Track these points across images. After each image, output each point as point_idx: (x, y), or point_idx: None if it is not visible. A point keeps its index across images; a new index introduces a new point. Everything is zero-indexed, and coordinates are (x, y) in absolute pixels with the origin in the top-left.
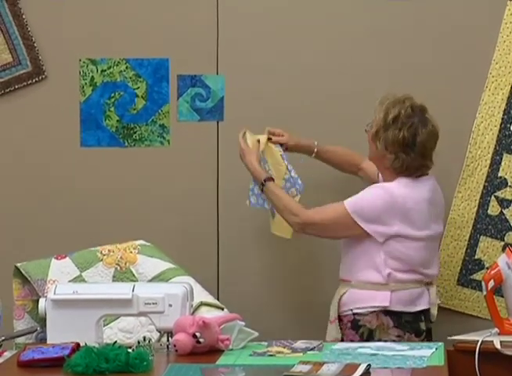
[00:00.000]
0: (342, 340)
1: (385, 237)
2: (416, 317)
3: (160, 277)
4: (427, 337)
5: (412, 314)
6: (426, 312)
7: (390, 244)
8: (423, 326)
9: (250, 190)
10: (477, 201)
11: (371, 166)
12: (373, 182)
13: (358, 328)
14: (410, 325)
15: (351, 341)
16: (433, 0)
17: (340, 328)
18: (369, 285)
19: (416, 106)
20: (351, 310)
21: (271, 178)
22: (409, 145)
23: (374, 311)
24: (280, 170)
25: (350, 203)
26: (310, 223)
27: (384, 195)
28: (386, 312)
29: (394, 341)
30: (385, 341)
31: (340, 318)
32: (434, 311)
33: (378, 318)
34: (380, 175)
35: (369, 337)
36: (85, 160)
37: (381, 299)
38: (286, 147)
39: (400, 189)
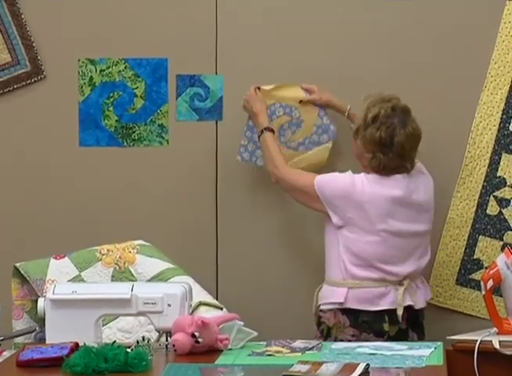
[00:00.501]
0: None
1: (340, 222)
2: (378, 317)
3: (159, 277)
4: (400, 338)
5: (373, 314)
6: (391, 312)
7: (344, 233)
8: (386, 327)
9: (241, 147)
10: (476, 201)
11: None
12: None
13: (319, 325)
14: (368, 325)
15: (317, 338)
16: (432, 0)
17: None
18: (331, 281)
19: (398, 106)
20: (320, 306)
21: (271, 130)
22: (387, 145)
23: (333, 309)
24: (311, 116)
25: (319, 177)
26: (283, 178)
27: (347, 181)
28: (343, 310)
29: (349, 340)
30: (341, 340)
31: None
32: (400, 312)
33: (335, 316)
34: None
35: (328, 334)
36: (84, 160)
37: (338, 296)
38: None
39: (364, 181)
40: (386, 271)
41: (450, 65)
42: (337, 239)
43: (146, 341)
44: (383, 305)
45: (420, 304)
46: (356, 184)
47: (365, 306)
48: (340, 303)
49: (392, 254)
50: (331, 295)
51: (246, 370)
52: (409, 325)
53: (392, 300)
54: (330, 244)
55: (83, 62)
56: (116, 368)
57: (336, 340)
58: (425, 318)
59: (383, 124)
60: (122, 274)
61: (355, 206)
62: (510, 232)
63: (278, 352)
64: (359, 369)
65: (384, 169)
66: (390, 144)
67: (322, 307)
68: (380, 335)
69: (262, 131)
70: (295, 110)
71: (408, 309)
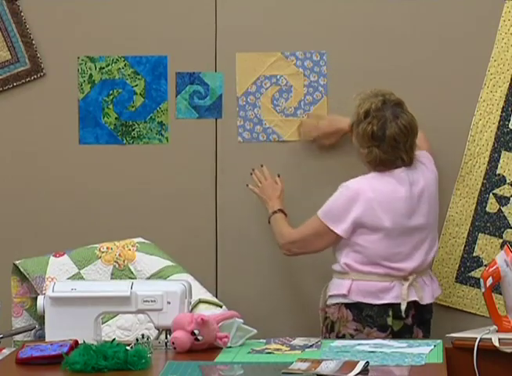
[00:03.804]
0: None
1: (349, 232)
2: (381, 311)
3: (158, 275)
4: (404, 334)
5: (376, 308)
6: (395, 306)
7: (352, 240)
8: (389, 321)
9: (239, 127)
10: (476, 199)
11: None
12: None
13: (324, 320)
14: (372, 319)
15: (322, 333)
16: None
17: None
18: (336, 273)
19: (390, 100)
20: (326, 300)
21: (283, 212)
22: (379, 138)
23: (337, 303)
24: (298, 78)
25: (320, 210)
26: (292, 241)
27: (345, 191)
28: (347, 305)
29: (351, 334)
30: (343, 334)
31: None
32: (403, 306)
33: (340, 310)
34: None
35: (331, 329)
36: (84, 158)
37: (342, 287)
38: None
39: (361, 182)
40: (391, 267)
41: (450, 63)
42: (345, 244)
43: (146, 339)
44: (386, 299)
45: (426, 299)
46: (352, 187)
47: (369, 299)
48: (344, 295)
49: (397, 251)
50: (335, 288)
51: (246, 368)
52: (415, 321)
53: (396, 295)
54: (337, 246)
55: (82, 59)
56: (115, 366)
57: (339, 334)
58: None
59: (374, 118)
60: (121, 272)
61: (361, 205)
62: (509, 229)
63: (277, 349)
64: (359, 367)
65: (381, 163)
66: (382, 137)
67: (328, 302)
68: (384, 330)
69: (274, 213)
70: (281, 77)
71: (415, 304)
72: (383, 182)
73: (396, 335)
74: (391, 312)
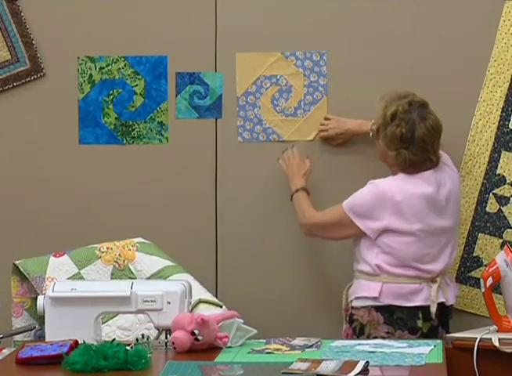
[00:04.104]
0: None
1: (377, 233)
2: (412, 314)
3: (158, 275)
4: (431, 335)
5: (406, 311)
6: (426, 308)
7: (381, 240)
8: (420, 323)
9: (239, 127)
10: (476, 199)
11: None
12: None
13: (352, 322)
14: (403, 322)
15: (347, 335)
16: None
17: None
18: (363, 275)
19: (416, 101)
20: (351, 302)
21: (305, 190)
22: (408, 140)
23: (366, 306)
24: (298, 78)
25: (345, 202)
26: (312, 223)
27: (373, 189)
28: (377, 308)
29: (383, 337)
30: (375, 337)
31: (346, 311)
32: (433, 309)
33: (370, 313)
34: None
35: (361, 331)
36: (84, 158)
37: (372, 290)
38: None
39: (390, 183)
40: (421, 269)
41: (450, 63)
42: (372, 243)
43: (146, 339)
44: (416, 302)
45: (451, 300)
46: (383, 187)
47: (400, 302)
48: (375, 298)
49: (427, 252)
50: (364, 290)
51: (246, 368)
52: (439, 322)
53: (425, 297)
54: (363, 245)
55: (82, 59)
56: (115, 366)
57: (370, 337)
58: None
59: (402, 120)
60: (121, 272)
61: (391, 208)
62: (509, 229)
63: (277, 349)
64: (359, 367)
65: (411, 165)
66: (411, 139)
67: (354, 304)
68: (414, 332)
69: (297, 191)
70: (281, 77)
71: (439, 305)
72: (411, 183)
73: (425, 337)
74: (420, 315)
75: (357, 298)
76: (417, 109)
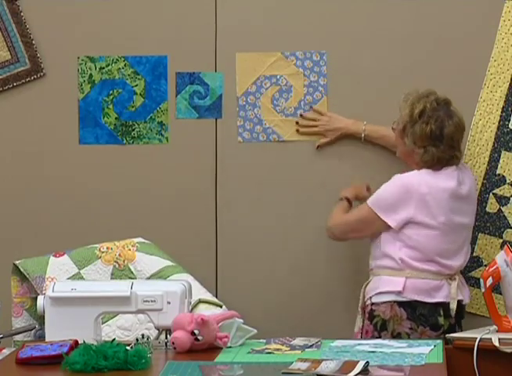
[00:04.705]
0: (362, 331)
1: (401, 225)
2: (433, 310)
3: (158, 275)
4: (452, 332)
5: (428, 307)
6: (446, 306)
7: (405, 233)
8: (441, 320)
9: (239, 127)
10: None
11: None
12: None
13: (373, 318)
14: (425, 318)
15: (367, 332)
16: None
17: (363, 319)
18: (386, 270)
19: (441, 99)
20: (370, 298)
21: (349, 201)
22: (437, 137)
23: (388, 301)
24: (298, 78)
25: (370, 198)
26: (338, 223)
27: (398, 182)
28: (400, 303)
29: (407, 333)
30: (398, 333)
31: (364, 308)
32: (453, 305)
33: (392, 309)
34: None
35: (383, 328)
36: (84, 158)
37: (395, 284)
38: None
39: (415, 175)
40: (442, 264)
41: (450, 63)
42: (394, 237)
43: (146, 339)
44: (438, 298)
45: (466, 299)
46: (408, 179)
47: (423, 297)
48: (398, 292)
49: (448, 247)
50: (387, 285)
51: (246, 368)
52: (456, 321)
53: (446, 294)
54: (384, 240)
55: (82, 59)
56: (115, 366)
57: (393, 333)
58: None
59: (431, 118)
60: (121, 272)
61: (416, 200)
62: (509, 229)
63: (277, 349)
64: (359, 367)
65: (438, 162)
66: (440, 136)
67: (374, 300)
68: (436, 328)
69: (341, 199)
70: (281, 77)
71: (457, 303)
72: (436, 177)
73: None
74: (442, 311)
75: (379, 293)
76: (444, 107)
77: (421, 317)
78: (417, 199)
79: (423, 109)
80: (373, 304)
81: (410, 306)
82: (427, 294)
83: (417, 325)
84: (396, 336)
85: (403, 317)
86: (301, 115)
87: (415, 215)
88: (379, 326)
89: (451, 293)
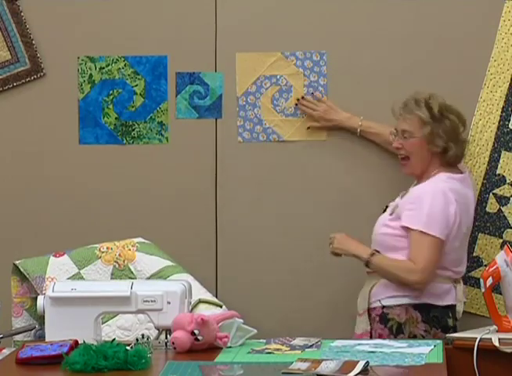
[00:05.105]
0: (371, 333)
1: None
2: (444, 312)
3: (158, 275)
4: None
5: (440, 309)
6: (453, 308)
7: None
8: (451, 322)
9: (239, 127)
10: (476, 199)
11: None
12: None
13: (386, 322)
14: (438, 320)
15: (380, 335)
16: None
17: (370, 322)
18: None
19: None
20: (380, 301)
21: (373, 254)
22: (460, 131)
23: (403, 304)
24: (298, 78)
25: (433, 228)
26: (424, 271)
27: (438, 197)
28: (415, 306)
29: (422, 335)
30: (414, 335)
31: (368, 311)
32: (460, 308)
33: (407, 312)
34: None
35: (398, 330)
36: (84, 158)
37: (410, 289)
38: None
39: (444, 185)
40: (453, 270)
41: (450, 63)
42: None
43: (146, 339)
44: (448, 301)
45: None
46: (444, 190)
47: (436, 300)
48: (416, 296)
49: (462, 256)
50: (403, 288)
51: (246, 368)
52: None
53: (453, 296)
54: (400, 248)
55: (82, 59)
56: (115, 366)
57: (410, 336)
58: None
59: (450, 113)
60: (121, 272)
61: (465, 213)
62: (509, 229)
63: (277, 349)
64: (359, 367)
65: (456, 160)
66: (461, 130)
67: (386, 303)
68: (446, 330)
69: (372, 255)
70: (281, 77)
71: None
72: (462, 185)
73: None
74: (451, 314)
75: (391, 296)
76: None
77: (434, 319)
78: (455, 207)
79: (440, 106)
80: (384, 307)
81: (425, 309)
82: (440, 298)
83: (430, 327)
84: (412, 338)
85: (418, 320)
86: (302, 97)
87: (460, 223)
88: (395, 329)
89: (458, 295)
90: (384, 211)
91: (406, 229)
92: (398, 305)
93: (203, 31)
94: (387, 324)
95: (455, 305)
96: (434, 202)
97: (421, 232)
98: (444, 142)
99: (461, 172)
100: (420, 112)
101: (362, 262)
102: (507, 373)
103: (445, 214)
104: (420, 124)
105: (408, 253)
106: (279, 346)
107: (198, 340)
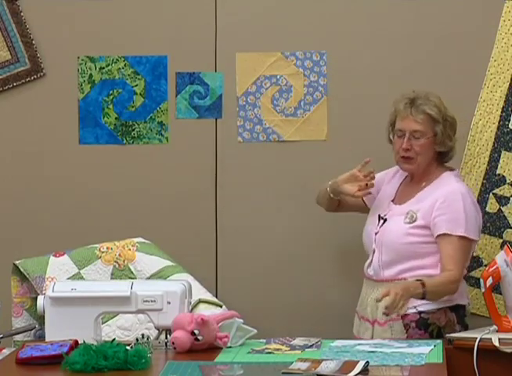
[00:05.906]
0: None
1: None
2: (463, 312)
3: (158, 275)
4: None
5: (463, 309)
6: (464, 307)
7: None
8: (466, 320)
9: (239, 127)
10: (476, 198)
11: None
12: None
13: (426, 327)
14: (462, 320)
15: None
16: None
17: (404, 329)
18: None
19: None
20: (415, 308)
21: (423, 284)
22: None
23: (441, 308)
24: (298, 78)
25: (472, 232)
26: (462, 275)
27: (466, 198)
28: (451, 308)
29: None
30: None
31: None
32: (470, 306)
33: (446, 315)
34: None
35: (439, 335)
36: (84, 158)
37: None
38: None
39: (462, 185)
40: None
41: (450, 63)
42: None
43: (146, 339)
44: (464, 300)
45: None
46: (468, 192)
47: (462, 300)
48: (451, 298)
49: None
50: None
51: (246, 368)
52: None
53: (467, 295)
54: (425, 254)
55: (82, 59)
56: (115, 366)
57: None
58: None
59: (447, 111)
60: (122, 272)
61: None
62: (509, 229)
63: (277, 349)
64: (359, 367)
65: (451, 158)
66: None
67: (422, 308)
68: (466, 329)
69: (423, 287)
70: (281, 77)
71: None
72: (464, 183)
73: None
74: (466, 312)
75: (428, 302)
76: None
77: (463, 319)
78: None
79: (441, 103)
80: (422, 312)
81: (458, 310)
82: (462, 297)
83: (462, 327)
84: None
85: (454, 322)
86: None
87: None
88: (435, 334)
89: (468, 294)
90: (381, 219)
91: (440, 235)
92: (438, 309)
93: (203, 31)
94: (427, 329)
95: (465, 305)
96: (466, 205)
97: (461, 237)
98: (451, 141)
99: (453, 169)
100: (432, 111)
101: (417, 297)
102: (507, 373)
103: (476, 215)
104: (432, 124)
105: (435, 258)
106: (279, 346)
107: (198, 340)
